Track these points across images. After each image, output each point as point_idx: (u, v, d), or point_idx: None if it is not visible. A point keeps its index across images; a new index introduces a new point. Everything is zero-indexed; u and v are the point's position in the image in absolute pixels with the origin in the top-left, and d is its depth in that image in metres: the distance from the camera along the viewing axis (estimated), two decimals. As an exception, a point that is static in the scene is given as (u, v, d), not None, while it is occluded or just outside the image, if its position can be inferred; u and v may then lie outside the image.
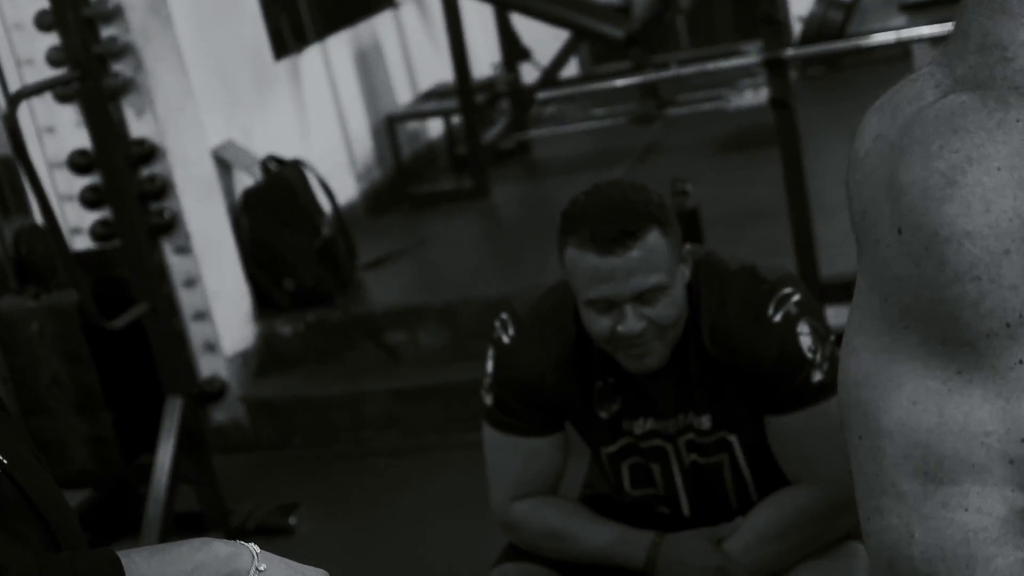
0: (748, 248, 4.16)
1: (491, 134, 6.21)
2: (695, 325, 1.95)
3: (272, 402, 4.49)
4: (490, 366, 2.06)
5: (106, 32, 3.99)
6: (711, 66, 5.05)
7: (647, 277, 1.86)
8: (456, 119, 6.14)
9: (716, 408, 1.99)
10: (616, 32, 5.86)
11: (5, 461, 1.30)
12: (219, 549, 1.17)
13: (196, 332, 4.37)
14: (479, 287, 4.66)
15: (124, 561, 1.13)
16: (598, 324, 1.90)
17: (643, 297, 1.87)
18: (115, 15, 3.97)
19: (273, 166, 4.76)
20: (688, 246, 1.96)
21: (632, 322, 1.87)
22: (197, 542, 1.17)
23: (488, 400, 2.07)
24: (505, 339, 2.03)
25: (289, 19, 5.47)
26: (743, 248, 3.95)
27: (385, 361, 4.56)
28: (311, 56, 5.64)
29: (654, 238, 1.86)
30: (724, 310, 1.94)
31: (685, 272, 1.93)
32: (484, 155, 5.85)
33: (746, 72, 6.09)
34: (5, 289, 3.73)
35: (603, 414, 2.03)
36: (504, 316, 2.05)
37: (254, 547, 1.19)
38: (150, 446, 3.75)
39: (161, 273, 4.10)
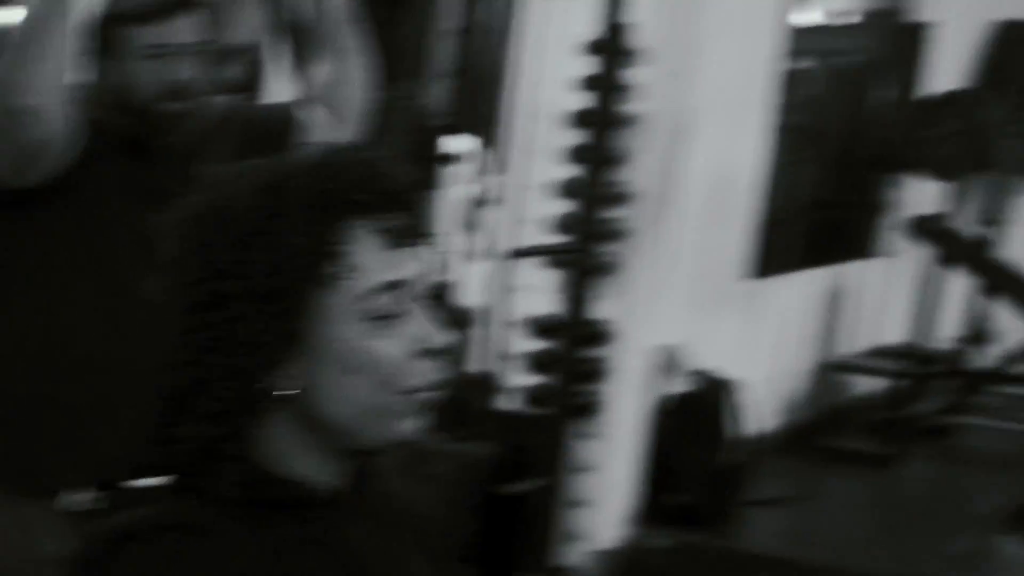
0: None
1: (923, 407, 5.99)
2: None
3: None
4: None
5: (613, 212, 4.12)
6: None
7: None
8: (894, 382, 5.97)
9: None
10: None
11: None
12: None
13: (569, 517, 4.38)
14: (861, 557, 4.49)
15: None
16: None
17: None
18: (626, 199, 4.09)
19: (703, 380, 4.76)
20: None
21: None
22: None
23: None
24: None
25: (772, 244, 5.47)
26: None
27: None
28: (778, 284, 5.61)
29: None
30: None
31: None
32: (906, 426, 5.66)
33: None
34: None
35: None
36: None
37: None
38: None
39: (564, 453, 4.15)
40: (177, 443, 1.19)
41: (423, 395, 1.21)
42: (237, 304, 1.16)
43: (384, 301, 1.18)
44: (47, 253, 2.28)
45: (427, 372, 1.21)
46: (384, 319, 1.18)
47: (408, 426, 1.22)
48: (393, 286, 1.19)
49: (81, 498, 1.29)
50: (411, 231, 1.20)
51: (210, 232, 1.19)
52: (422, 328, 1.20)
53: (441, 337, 1.21)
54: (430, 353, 1.20)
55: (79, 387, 2.32)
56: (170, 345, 1.19)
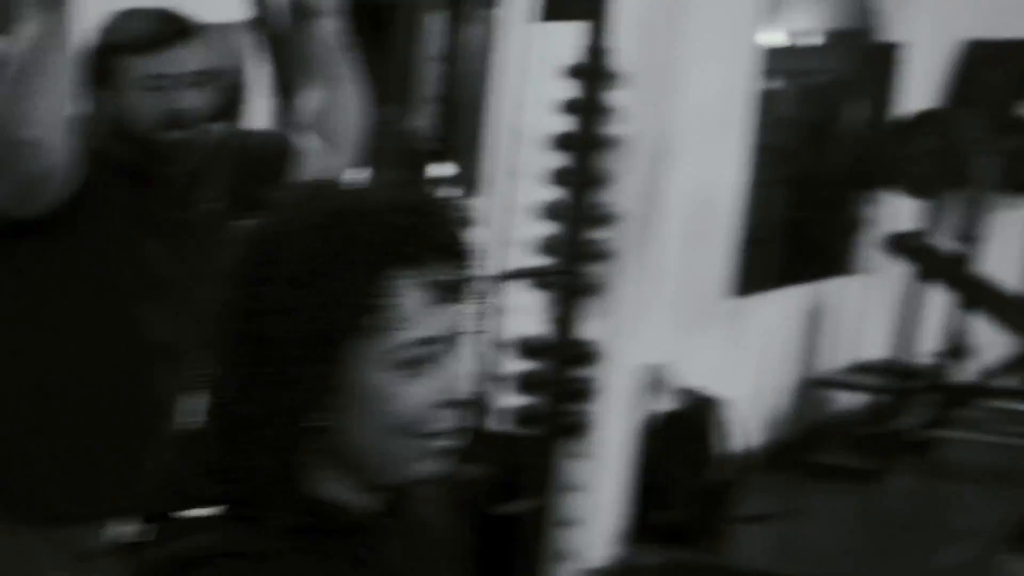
0: None
1: (905, 422, 6.04)
2: None
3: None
4: None
5: (597, 233, 4.15)
6: None
7: None
8: (875, 397, 6.02)
9: None
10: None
11: None
12: None
13: (560, 536, 4.40)
14: (849, 572, 4.52)
15: None
16: None
17: None
18: (610, 220, 4.13)
19: (691, 397, 4.80)
20: None
21: None
22: None
23: None
24: None
25: (753, 263, 5.53)
26: None
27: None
28: (759, 302, 5.67)
29: None
30: None
31: None
32: (889, 441, 5.69)
33: None
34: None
35: None
36: None
37: None
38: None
39: (555, 473, 4.17)
40: (230, 475, 1.18)
41: (445, 441, 1.21)
42: (282, 343, 1.14)
43: (419, 352, 1.17)
44: (50, 283, 2.27)
45: (450, 420, 1.20)
46: (415, 368, 1.17)
47: (430, 467, 1.22)
48: (432, 341, 1.18)
49: (126, 529, 1.27)
50: (460, 287, 1.19)
51: (264, 266, 1.16)
52: (450, 380, 1.19)
53: (467, 390, 1.21)
54: (455, 404, 1.20)
55: (84, 416, 2.32)
56: (183, 373, 1.19)
